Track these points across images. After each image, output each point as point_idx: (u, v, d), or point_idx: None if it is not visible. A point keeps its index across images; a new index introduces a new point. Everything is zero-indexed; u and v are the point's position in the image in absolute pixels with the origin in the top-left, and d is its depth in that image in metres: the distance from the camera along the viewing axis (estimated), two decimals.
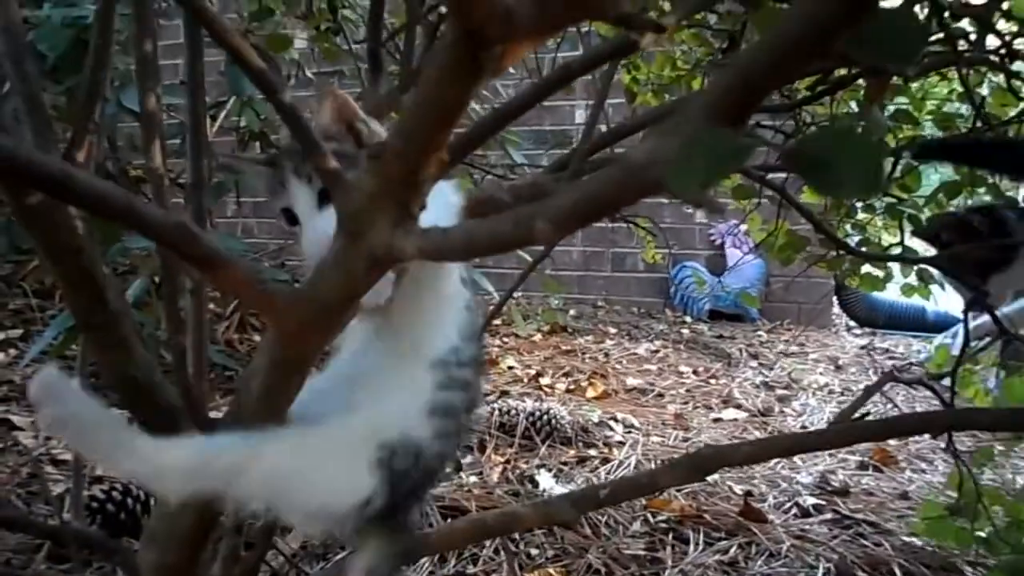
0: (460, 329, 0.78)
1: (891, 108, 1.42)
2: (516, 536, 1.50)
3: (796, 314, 4.19)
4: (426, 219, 0.55)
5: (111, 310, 0.79)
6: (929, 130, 1.57)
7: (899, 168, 1.42)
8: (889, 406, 2.33)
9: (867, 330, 4.19)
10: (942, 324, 3.81)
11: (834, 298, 4.35)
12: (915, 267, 1.62)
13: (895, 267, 1.66)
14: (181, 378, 0.81)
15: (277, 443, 0.70)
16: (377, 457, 0.73)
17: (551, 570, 1.36)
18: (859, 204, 1.63)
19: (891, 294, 4.21)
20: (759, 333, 3.81)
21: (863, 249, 1.60)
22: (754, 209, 1.71)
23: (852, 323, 4.35)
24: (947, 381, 1.21)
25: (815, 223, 1.18)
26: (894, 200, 1.48)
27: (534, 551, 1.47)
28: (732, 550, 1.49)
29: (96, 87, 0.84)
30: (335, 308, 0.63)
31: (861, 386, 2.85)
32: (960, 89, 1.39)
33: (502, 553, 1.44)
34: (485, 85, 0.48)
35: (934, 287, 1.66)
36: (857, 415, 1.03)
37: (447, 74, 0.47)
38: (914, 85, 1.55)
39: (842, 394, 2.77)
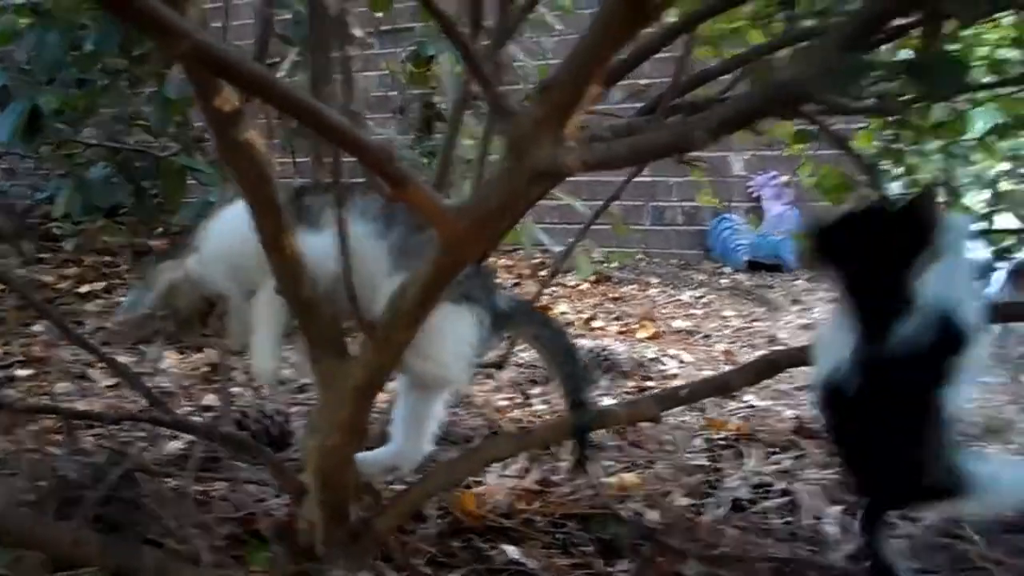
0: None
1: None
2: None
3: None
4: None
5: (287, 233, 0.95)
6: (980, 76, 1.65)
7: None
8: None
9: None
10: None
11: None
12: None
13: None
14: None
15: None
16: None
17: (626, 475, 1.52)
18: (909, 148, 1.74)
19: None
20: (797, 282, 3.92)
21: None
22: (807, 153, 1.82)
23: None
24: None
25: (862, 164, 1.29)
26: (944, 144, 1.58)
27: (607, 463, 1.64)
28: (786, 462, 1.64)
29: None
30: (496, 217, 0.78)
31: None
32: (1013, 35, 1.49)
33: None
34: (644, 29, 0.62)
35: None
36: None
37: (614, 19, 0.61)
38: (966, 32, 1.64)
39: None
